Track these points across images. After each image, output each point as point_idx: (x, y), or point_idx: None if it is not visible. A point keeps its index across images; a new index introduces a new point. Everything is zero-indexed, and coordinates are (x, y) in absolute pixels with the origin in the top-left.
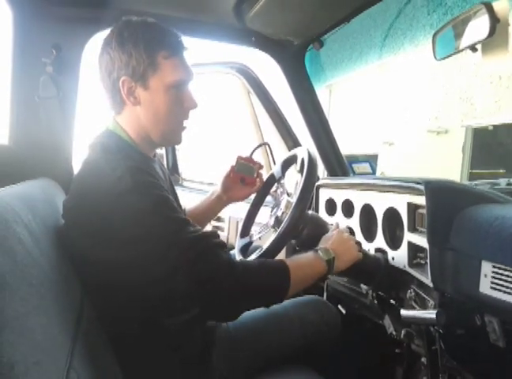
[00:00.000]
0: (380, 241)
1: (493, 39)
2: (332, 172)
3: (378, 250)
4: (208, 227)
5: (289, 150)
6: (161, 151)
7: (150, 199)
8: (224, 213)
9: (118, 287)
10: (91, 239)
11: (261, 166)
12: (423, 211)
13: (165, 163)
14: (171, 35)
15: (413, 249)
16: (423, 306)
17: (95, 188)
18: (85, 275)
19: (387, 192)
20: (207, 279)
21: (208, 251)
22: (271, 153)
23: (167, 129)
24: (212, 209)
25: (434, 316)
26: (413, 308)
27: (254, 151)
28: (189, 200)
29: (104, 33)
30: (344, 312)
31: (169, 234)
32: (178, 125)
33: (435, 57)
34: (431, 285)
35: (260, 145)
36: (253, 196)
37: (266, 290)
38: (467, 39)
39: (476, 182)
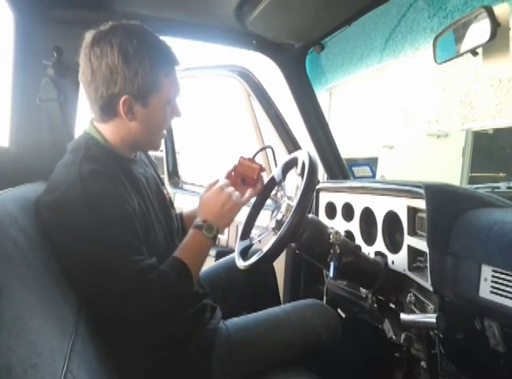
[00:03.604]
0: (380, 244)
1: (494, 43)
2: (332, 175)
3: (377, 254)
4: None
5: (289, 153)
6: (161, 154)
7: (94, 215)
8: None
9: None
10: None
11: (262, 169)
12: (423, 214)
13: (165, 166)
14: (170, 53)
15: (413, 252)
16: (423, 310)
17: (50, 192)
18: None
19: (387, 195)
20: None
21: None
22: (274, 157)
23: (156, 139)
24: None
25: (434, 320)
26: (413, 312)
27: (257, 153)
28: (190, 203)
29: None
30: (343, 316)
31: (108, 256)
32: (163, 133)
33: (436, 60)
34: (430, 289)
35: (264, 148)
36: (253, 199)
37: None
38: (468, 42)
39: (476, 186)
